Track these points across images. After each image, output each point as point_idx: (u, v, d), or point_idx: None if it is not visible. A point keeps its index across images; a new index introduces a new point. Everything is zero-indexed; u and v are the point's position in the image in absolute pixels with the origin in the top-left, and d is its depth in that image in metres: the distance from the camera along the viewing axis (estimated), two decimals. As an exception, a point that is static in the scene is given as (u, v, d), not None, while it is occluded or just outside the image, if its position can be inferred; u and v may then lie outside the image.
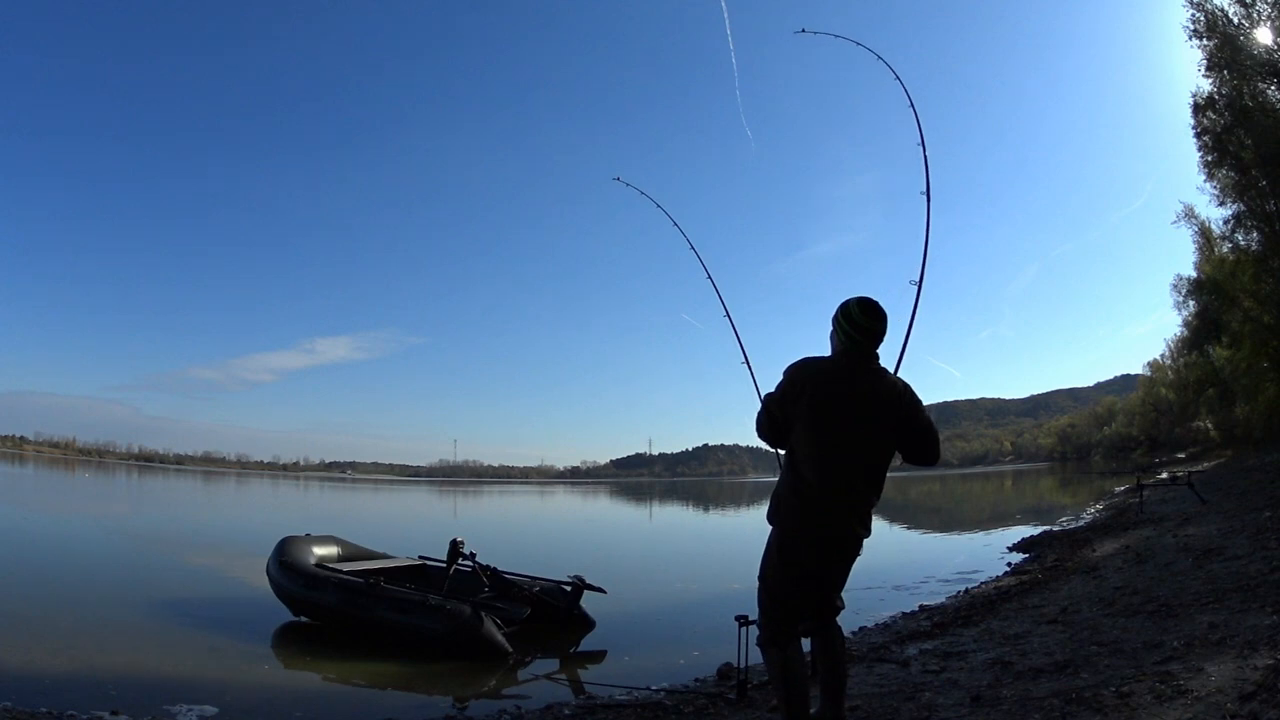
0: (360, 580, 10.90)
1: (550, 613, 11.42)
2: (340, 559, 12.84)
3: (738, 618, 7.00)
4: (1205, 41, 34.74)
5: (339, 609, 10.80)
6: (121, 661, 9.22)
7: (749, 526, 38.94)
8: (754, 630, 7.17)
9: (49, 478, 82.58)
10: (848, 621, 10.81)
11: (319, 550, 12.64)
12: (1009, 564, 16.18)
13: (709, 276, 8.32)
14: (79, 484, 73.29)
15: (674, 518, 51.49)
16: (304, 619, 11.48)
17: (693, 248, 8.51)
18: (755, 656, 7.78)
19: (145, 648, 9.82)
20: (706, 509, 61.52)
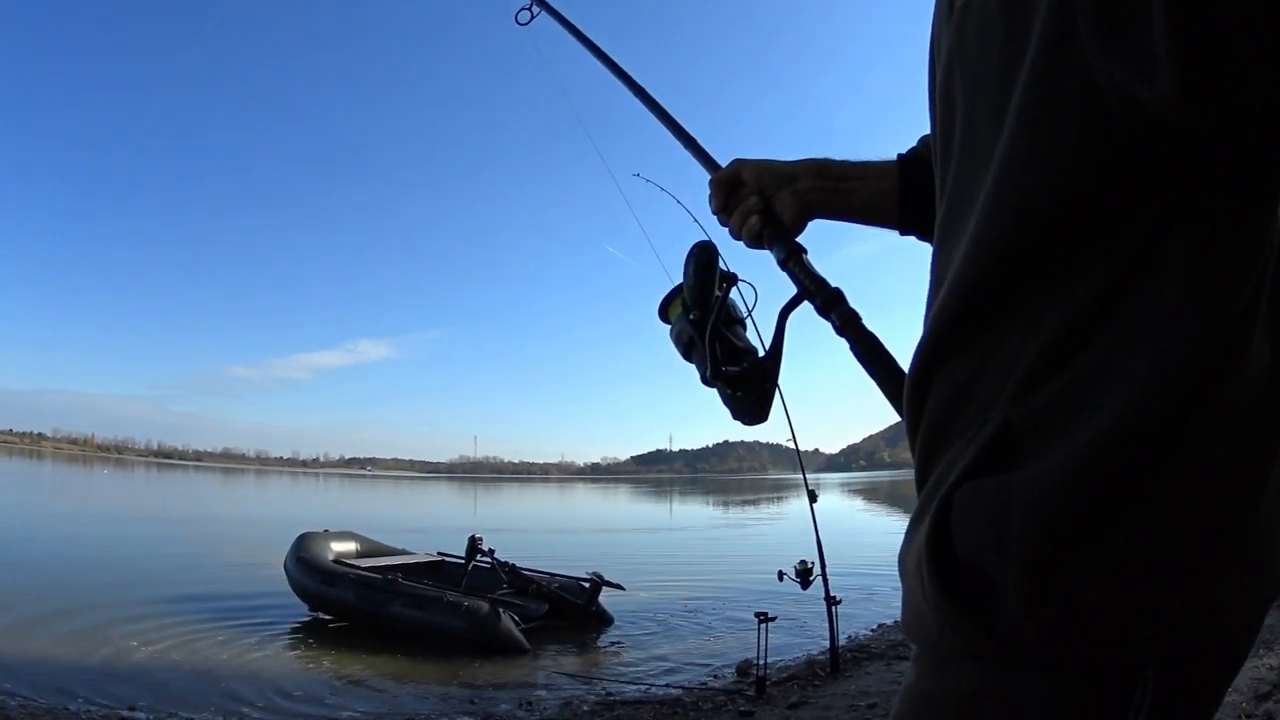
0: (378, 576, 10.93)
1: (568, 609, 11.43)
2: (358, 555, 12.87)
3: (757, 614, 7.03)
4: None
5: (356, 605, 10.83)
6: (138, 657, 9.26)
7: (768, 522, 39.03)
8: (778, 628, 7.20)
9: (63, 474, 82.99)
10: (866, 616, 10.86)
11: (337, 546, 12.63)
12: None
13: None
14: (96, 481, 73.86)
15: (694, 514, 51.63)
16: (322, 615, 11.49)
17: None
18: (775, 653, 7.82)
19: (161, 643, 9.86)
20: (726, 505, 61.73)
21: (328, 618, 11.40)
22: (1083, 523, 0.74)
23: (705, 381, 1.41)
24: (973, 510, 0.78)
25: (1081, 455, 0.74)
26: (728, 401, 1.41)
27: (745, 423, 1.41)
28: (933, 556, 0.79)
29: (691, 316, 1.46)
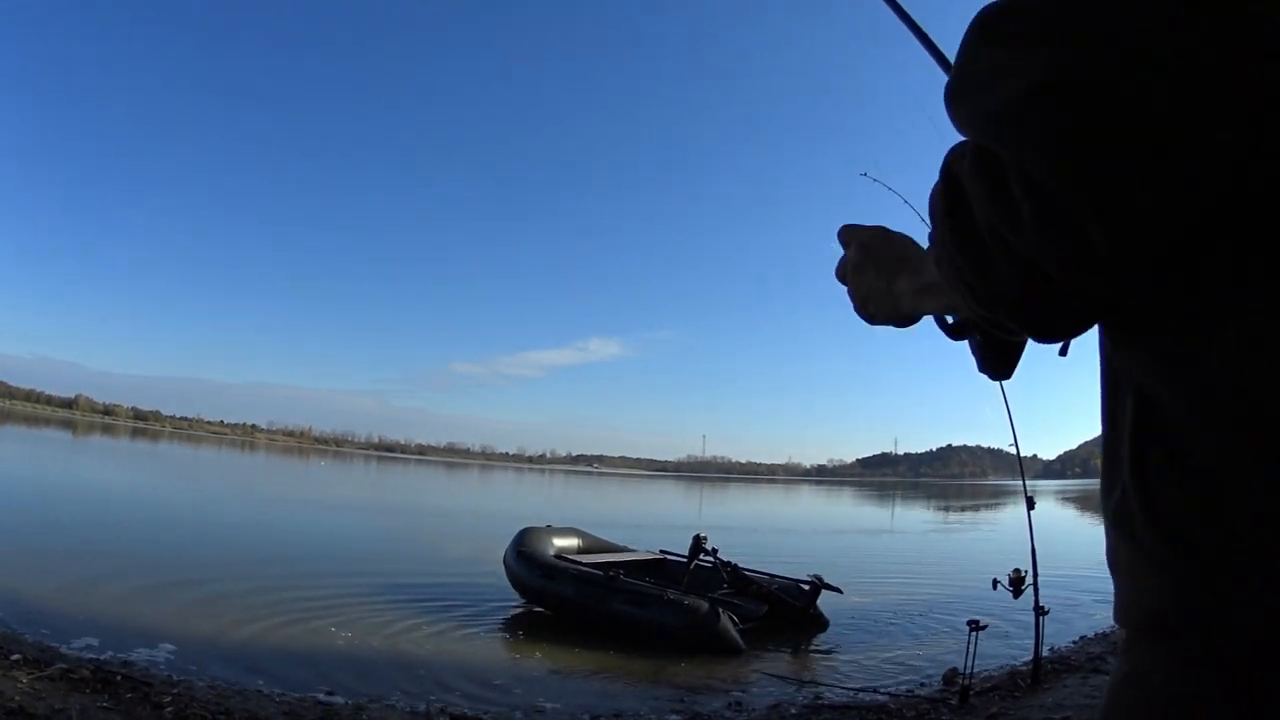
0: (599, 573, 11.06)
1: (787, 611, 11.44)
2: (580, 551, 13.07)
3: (969, 622, 7.05)
4: None
5: (575, 600, 10.99)
6: (339, 643, 9.64)
7: (985, 527, 38.14)
8: (983, 635, 7.22)
9: (278, 465, 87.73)
10: (1068, 627, 10.63)
11: (559, 542, 12.83)
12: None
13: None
14: (312, 472, 77.58)
15: (915, 518, 50.91)
16: (536, 609, 11.70)
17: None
18: (981, 663, 7.82)
19: (366, 629, 10.21)
20: (946, 510, 60.68)
21: (542, 611, 11.62)
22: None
23: (954, 333, 1.33)
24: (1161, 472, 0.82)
25: None
26: (977, 353, 1.34)
27: (992, 377, 1.37)
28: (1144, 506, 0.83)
29: None
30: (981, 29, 0.83)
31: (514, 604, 11.98)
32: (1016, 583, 7.44)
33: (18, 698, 5.42)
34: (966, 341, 1.33)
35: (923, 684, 8.27)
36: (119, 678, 6.68)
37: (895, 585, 16.18)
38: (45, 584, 10.78)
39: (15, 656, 6.84)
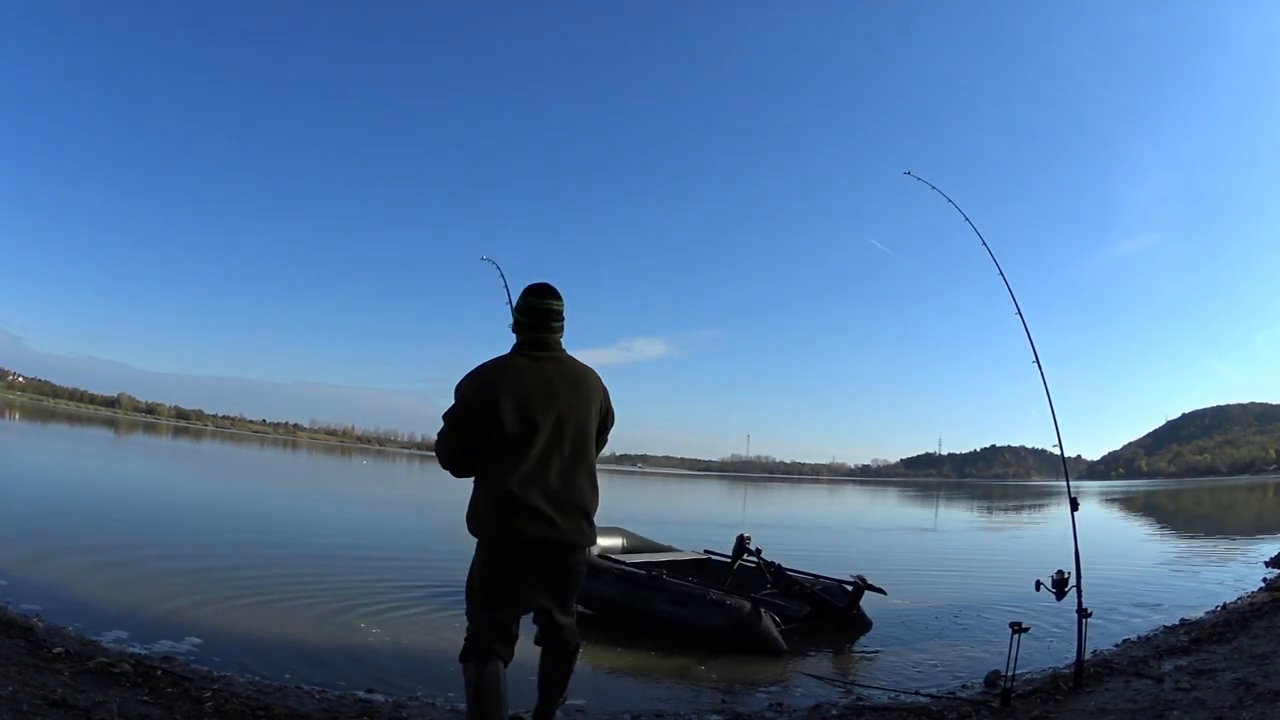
0: (642, 572, 11.08)
1: (830, 612, 11.42)
2: (624, 550, 13.14)
3: (1011, 624, 7.02)
4: None
5: (618, 600, 10.97)
6: (370, 640, 9.70)
7: (1029, 528, 37.77)
8: (1025, 638, 7.18)
9: (320, 464, 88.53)
10: (1111, 629, 10.67)
11: (602, 541, 12.77)
12: (1264, 579, 15.40)
13: (1000, 273, 8.15)
14: (354, 470, 77.99)
15: (957, 518, 50.64)
16: (581, 608, 11.57)
17: (984, 243, 8.26)
18: (1024, 664, 7.76)
19: (400, 628, 10.30)
20: (990, 511, 60.33)
21: (584, 610, 11.45)
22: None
23: None
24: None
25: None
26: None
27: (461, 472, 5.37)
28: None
29: None
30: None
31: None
32: (1060, 584, 7.36)
33: (60, 690, 5.56)
34: None
35: (964, 686, 8.24)
36: (159, 672, 6.84)
37: (938, 585, 16.19)
38: (85, 578, 11.18)
39: (58, 649, 7.04)
